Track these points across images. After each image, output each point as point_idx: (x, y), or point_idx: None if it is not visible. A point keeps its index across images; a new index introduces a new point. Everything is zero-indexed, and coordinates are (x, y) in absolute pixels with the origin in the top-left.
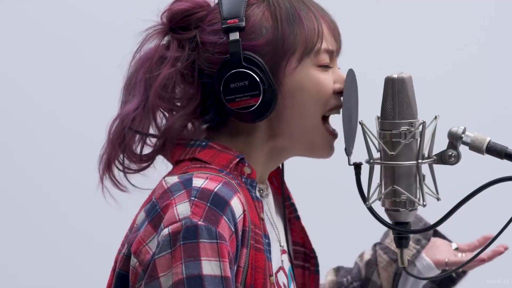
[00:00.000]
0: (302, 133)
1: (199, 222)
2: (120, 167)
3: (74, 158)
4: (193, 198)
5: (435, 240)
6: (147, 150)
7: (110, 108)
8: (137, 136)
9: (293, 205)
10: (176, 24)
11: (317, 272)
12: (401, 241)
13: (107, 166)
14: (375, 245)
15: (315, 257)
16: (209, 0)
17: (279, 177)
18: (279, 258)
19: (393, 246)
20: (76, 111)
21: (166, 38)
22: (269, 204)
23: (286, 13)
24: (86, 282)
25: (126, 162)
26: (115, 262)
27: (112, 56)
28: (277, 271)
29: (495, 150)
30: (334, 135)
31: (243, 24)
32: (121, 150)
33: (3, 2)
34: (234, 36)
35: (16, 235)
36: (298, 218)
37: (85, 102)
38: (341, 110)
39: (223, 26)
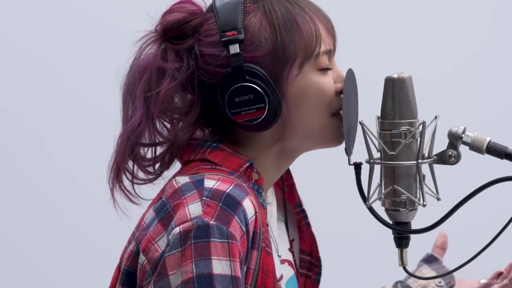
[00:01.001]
0: (310, 133)
1: (211, 222)
2: (130, 177)
3: (74, 158)
4: (205, 198)
5: (460, 280)
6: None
7: (110, 108)
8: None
9: (303, 211)
10: (172, 35)
11: (317, 281)
12: (401, 241)
13: (116, 175)
14: (397, 282)
15: (319, 266)
16: (201, 5)
17: (280, 186)
18: (278, 268)
19: (414, 286)
20: (76, 111)
21: (162, 46)
22: (270, 214)
23: (283, 21)
24: (87, 282)
25: (136, 170)
26: (121, 259)
27: (112, 56)
28: (279, 279)
29: (495, 150)
30: (341, 120)
31: (242, 36)
32: (131, 159)
33: (3, 2)
34: (234, 49)
35: (16, 235)
36: (308, 225)
37: (85, 102)
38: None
39: (222, 40)
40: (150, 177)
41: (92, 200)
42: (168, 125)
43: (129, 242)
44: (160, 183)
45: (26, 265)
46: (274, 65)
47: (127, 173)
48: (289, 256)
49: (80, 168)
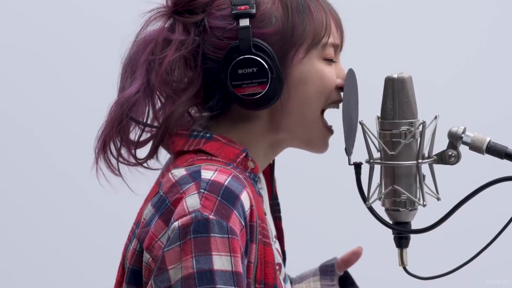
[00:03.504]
0: (301, 127)
1: (210, 216)
2: (115, 153)
3: (74, 158)
4: (202, 191)
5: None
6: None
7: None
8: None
9: (278, 205)
10: (182, 7)
11: None
12: (401, 241)
13: (102, 147)
14: (291, 281)
15: (283, 259)
16: None
17: (269, 175)
18: (276, 256)
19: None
20: (76, 111)
21: (169, 21)
22: (264, 200)
23: (296, 3)
24: (87, 282)
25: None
26: (123, 257)
27: (112, 56)
28: (279, 269)
29: (495, 150)
30: (330, 131)
31: (254, 11)
32: (118, 133)
33: (3, 2)
34: (244, 22)
35: (16, 235)
36: (279, 219)
37: (85, 102)
38: (340, 105)
39: (233, 12)
40: (132, 161)
41: (92, 200)
42: (163, 100)
43: (130, 239)
44: (138, 173)
45: (26, 265)
46: (281, 44)
47: (113, 148)
48: (276, 244)
49: (80, 168)
